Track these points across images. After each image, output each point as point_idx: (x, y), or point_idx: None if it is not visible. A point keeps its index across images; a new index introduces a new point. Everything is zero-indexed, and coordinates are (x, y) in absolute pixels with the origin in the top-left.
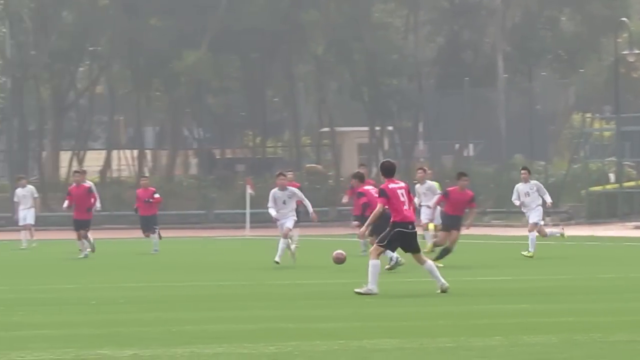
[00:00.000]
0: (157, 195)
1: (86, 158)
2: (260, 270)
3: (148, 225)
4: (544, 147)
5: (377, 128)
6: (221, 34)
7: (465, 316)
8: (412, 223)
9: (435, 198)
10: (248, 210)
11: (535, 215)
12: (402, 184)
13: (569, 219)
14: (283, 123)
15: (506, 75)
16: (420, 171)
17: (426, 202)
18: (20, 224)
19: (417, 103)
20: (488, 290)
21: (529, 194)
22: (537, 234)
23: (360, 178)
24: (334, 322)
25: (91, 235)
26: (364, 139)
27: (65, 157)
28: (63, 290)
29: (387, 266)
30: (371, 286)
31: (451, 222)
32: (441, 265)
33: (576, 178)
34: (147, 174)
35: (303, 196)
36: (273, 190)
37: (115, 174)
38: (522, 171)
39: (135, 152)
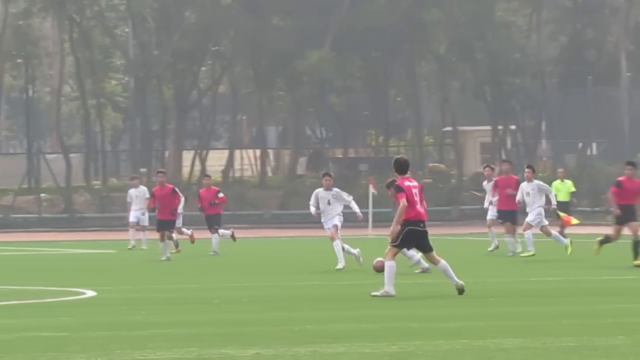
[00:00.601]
0: (221, 195)
1: (208, 157)
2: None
3: (211, 224)
4: None
5: (500, 127)
6: (343, 33)
7: (588, 315)
8: (423, 221)
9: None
10: (371, 210)
11: (531, 215)
12: (416, 183)
13: None
14: (405, 122)
15: (629, 74)
16: (487, 169)
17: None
18: (133, 221)
19: (540, 102)
20: (612, 290)
21: (530, 194)
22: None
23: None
24: (457, 322)
25: (176, 235)
26: (486, 138)
27: (187, 156)
28: (185, 289)
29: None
30: (387, 288)
31: (627, 213)
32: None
33: None
34: (208, 174)
35: (348, 199)
36: (318, 190)
37: (237, 174)
38: (526, 170)
39: (258, 151)
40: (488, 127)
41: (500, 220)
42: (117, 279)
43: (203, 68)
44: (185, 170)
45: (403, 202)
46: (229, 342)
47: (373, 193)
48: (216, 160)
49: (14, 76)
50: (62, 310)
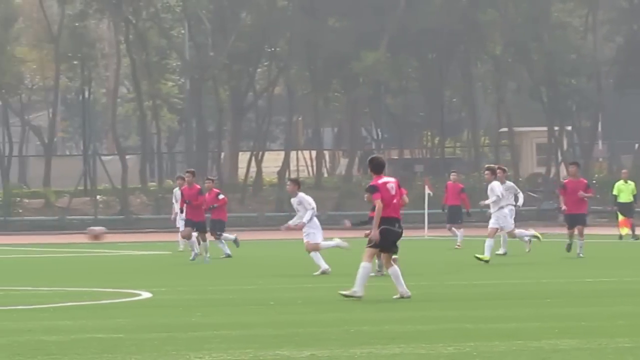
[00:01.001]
0: (221, 197)
1: (264, 159)
2: (438, 271)
3: (214, 228)
4: None
5: (556, 128)
6: (399, 34)
7: None
8: (398, 221)
9: None
10: (427, 211)
11: (494, 218)
12: (392, 179)
13: None
14: (461, 123)
15: None
16: (499, 171)
17: (505, 202)
18: (178, 225)
19: (596, 103)
20: None
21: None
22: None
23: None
24: (512, 323)
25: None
26: (542, 139)
27: (243, 158)
28: (241, 291)
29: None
30: (356, 288)
31: None
32: None
33: None
34: (211, 177)
35: (307, 205)
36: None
37: (293, 175)
38: (486, 172)
39: (314, 152)
40: (544, 128)
41: (566, 223)
42: (172, 281)
43: (259, 69)
44: (241, 171)
45: (378, 203)
46: (284, 343)
47: (429, 194)
48: (272, 161)
49: (70, 78)
50: (118, 312)
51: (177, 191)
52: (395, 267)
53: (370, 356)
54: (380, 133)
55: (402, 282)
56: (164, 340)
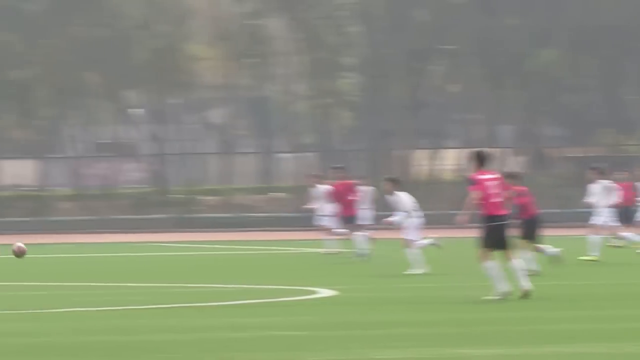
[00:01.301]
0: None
1: (441, 157)
2: (622, 269)
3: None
4: None
5: None
6: (577, 31)
7: None
8: (501, 216)
9: None
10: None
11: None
12: (495, 175)
13: None
14: None
15: None
16: (593, 171)
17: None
18: (323, 223)
19: None
20: None
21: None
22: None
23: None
24: None
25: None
26: None
27: (420, 155)
28: (423, 289)
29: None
30: (500, 289)
31: None
32: None
33: None
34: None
35: (400, 205)
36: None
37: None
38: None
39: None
40: None
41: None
42: (352, 278)
43: (436, 67)
44: (418, 169)
45: (473, 194)
46: (467, 341)
47: None
48: (449, 159)
49: (247, 75)
50: (301, 309)
51: (313, 190)
52: (515, 261)
53: (556, 355)
54: (557, 131)
55: (522, 276)
56: (348, 338)
